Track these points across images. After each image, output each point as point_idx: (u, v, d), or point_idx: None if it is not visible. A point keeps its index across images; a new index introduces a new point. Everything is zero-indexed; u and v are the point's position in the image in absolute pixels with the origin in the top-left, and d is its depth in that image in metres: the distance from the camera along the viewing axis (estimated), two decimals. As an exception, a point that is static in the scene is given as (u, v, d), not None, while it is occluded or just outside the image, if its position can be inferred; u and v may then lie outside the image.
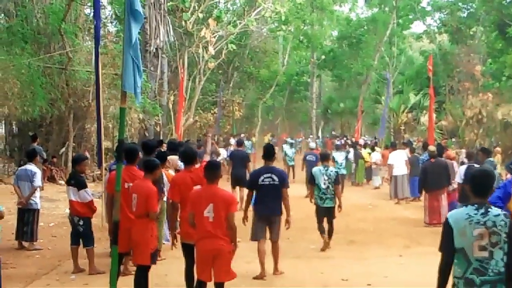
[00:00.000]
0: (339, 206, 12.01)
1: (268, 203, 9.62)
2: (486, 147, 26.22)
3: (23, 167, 11.75)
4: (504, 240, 4.64)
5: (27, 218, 11.52)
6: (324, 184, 11.85)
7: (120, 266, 7.97)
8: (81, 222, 9.60)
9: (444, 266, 4.73)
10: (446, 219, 4.76)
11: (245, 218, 9.74)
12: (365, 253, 11.67)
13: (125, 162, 8.34)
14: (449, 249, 4.69)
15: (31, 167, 11.65)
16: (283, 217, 9.84)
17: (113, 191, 7.63)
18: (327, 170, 11.96)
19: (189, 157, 8.24)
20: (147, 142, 10.94)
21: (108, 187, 8.49)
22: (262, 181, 9.60)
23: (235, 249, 7.07)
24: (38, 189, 11.82)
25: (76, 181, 9.73)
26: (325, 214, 11.91)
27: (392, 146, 22.29)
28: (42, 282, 9.18)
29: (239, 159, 17.59)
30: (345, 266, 10.47)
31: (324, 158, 12.48)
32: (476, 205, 4.73)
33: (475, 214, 4.67)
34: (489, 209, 4.72)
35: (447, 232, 4.71)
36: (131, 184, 8.11)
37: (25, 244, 11.68)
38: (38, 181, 11.61)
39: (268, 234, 9.86)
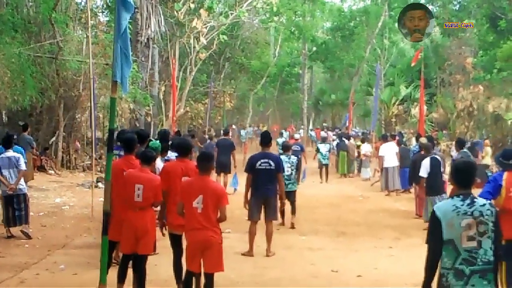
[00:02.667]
0: None
1: (265, 186, 10.33)
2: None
3: (3, 155, 11.56)
4: (492, 229, 4.69)
5: (18, 203, 11.45)
6: (287, 170, 13.11)
7: (111, 254, 7.95)
8: None
9: (432, 258, 4.75)
10: (433, 211, 4.78)
11: (246, 202, 10.44)
12: (356, 244, 11.69)
13: (124, 151, 8.44)
14: (437, 241, 4.70)
15: (12, 153, 11.58)
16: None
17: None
18: (289, 158, 13.53)
19: (184, 149, 8.24)
20: (140, 132, 10.93)
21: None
22: (260, 165, 10.35)
23: None
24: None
25: None
26: (288, 197, 12.70)
27: (383, 138, 22.25)
28: (31, 271, 9.10)
29: (224, 147, 18.48)
30: (335, 257, 10.49)
31: (285, 148, 14.13)
32: (461, 196, 4.77)
33: (462, 205, 4.70)
34: (475, 199, 4.76)
35: (435, 224, 4.72)
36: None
37: (16, 230, 11.59)
38: (23, 164, 11.62)
39: (263, 218, 10.56)
